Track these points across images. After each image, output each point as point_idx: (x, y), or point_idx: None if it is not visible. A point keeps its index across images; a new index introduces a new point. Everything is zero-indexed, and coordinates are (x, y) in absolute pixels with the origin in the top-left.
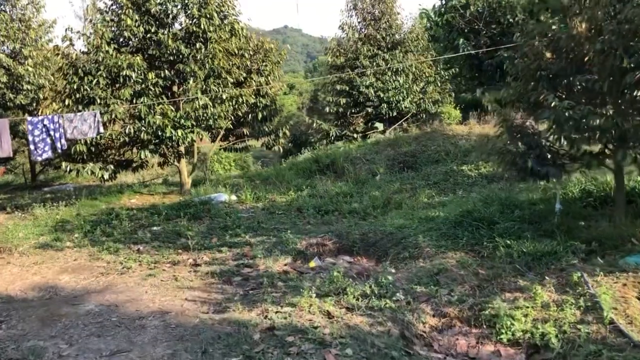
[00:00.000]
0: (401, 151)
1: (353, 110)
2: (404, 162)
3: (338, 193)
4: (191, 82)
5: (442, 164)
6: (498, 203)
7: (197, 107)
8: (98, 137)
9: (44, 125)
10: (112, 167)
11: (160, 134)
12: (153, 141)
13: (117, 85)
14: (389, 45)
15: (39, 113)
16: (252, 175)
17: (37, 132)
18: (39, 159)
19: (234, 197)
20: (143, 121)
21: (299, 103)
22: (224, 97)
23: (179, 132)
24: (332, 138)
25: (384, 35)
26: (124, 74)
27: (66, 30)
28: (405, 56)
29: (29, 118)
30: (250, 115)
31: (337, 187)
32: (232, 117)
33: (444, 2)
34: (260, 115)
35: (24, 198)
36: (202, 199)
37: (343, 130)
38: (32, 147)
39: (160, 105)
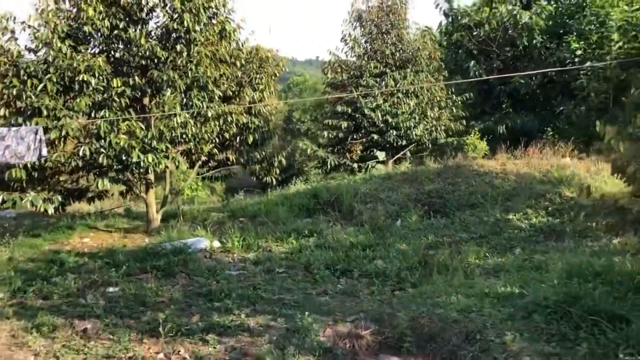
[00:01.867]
0: (423, 189)
1: (355, 136)
2: (429, 204)
3: (353, 244)
4: (168, 93)
5: (479, 210)
6: (604, 279)
7: (175, 125)
8: (40, 161)
9: None
10: (59, 197)
11: (124, 158)
12: (115, 167)
13: (72, 94)
14: (398, 63)
15: None
16: (236, 209)
17: None
18: None
19: (216, 244)
20: (103, 141)
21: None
22: (209, 114)
23: (150, 156)
24: (329, 167)
25: (393, 51)
26: (81, 78)
27: (6, 20)
28: (417, 76)
29: None
30: (238, 138)
31: (352, 236)
32: (217, 140)
33: (451, 20)
34: (251, 138)
35: None
36: (175, 244)
37: (341, 158)
38: None
39: (127, 122)
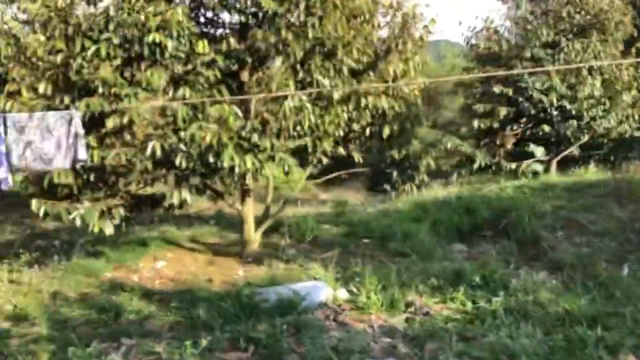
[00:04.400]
0: None
1: (514, 127)
2: None
3: (570, 313)
4: (278, 63)
5: None
6: None
7: (287, 111)
8: (77, 167)
9: None
10: (122, 211)
11: (212, 160)
12: (199, 171)
13: (139, 64)
14: (576, 29)
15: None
16: (355, 223)
17: None
18: None
19: (342, 294)
20: (182, 133)
21: None
22: (334, 95)
23: (248, 159)
24: (475, 167)
25: (572, 12)
26: (152, 40)
27: None
28: (604, 47)
29: None
30: (368, 130)
31: (560, 296)
32: (339, 133)
33: None
34: (387, 130)
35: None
36: (282, 293)
37: (492, 155)
38: None
39: (216, 106)
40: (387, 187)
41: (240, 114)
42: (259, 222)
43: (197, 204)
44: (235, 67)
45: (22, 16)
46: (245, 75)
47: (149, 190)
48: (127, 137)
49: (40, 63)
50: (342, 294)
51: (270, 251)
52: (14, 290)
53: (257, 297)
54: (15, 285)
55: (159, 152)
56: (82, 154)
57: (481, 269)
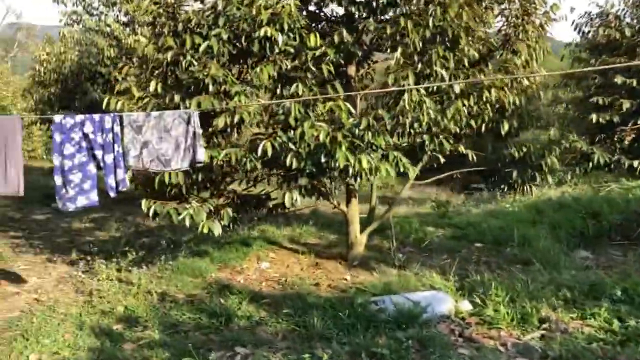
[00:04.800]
0: None
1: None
2: None
3: None
4: (397, 54)
5: None
6: None
7: (406, 107)
8: (194, 168)
9: (84, 135)
10: (230, 211)
11: (323, 159)
12: (308, 170)
13: (248, 61)
14: None
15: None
16: (463, 225)
17: (68, 150)
18: (68, 207)
19: (465, 305)
20: (292, 132)
21: None
22: (455, 89)
23: (364, 158)
24: (591, 165)
25: None
26: (263, 34)
27: None
28: None
29: (57, 118)
30: (483, 126)
31: None
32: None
33: None
34: (506, 126)
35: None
36: (399, 303)
37: (612, 153)
38: (57, 181)
39: (330, 103)
40: (504, 187)
41: (352, 110)
42: (363, 223)
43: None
44: (342, 61)
45: (123, 18)
46: (352, 70)
47: (254, 190)
48: (236, 136)
49: (149, 62)
50: (465, 305)
51: (376, 254)
52: (123, 290)
53: (372, 306)
54: (125, 285)
55: (270, 152)
56: (201, 155)
57: (621, 281)
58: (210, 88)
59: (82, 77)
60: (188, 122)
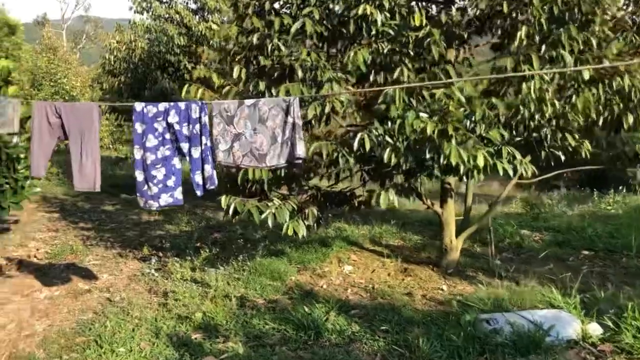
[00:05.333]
0: None
1: None
2: None
3: None
4: (521, 34)
5: None
6: None
7: (533, 94)
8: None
9: (168, 126)
10: (315, 210)
11: (428, 155)
12: (408, 167)
13: (340, 44)
14: None
15: (190, 96)
16: (562, 228)
17: (150, 142)
18: (150, 206)
19: (594, 328)
20: (392, 123)
21: None
22: (585, 75)
23: (480, 154)
24: None
25: None
26: (360, 12)
27: None
28: None
29: (138, 106)
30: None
31: None
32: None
33: None
34: (631, 118)
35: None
36: (516, 324)
37: None
38: (139, 176)
39: (439, 91)
40: (622, 187)
41: (461, 97)
42: (458, 226)
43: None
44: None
45: (193, 5)
46: (451, 54)
47: (338, 186)
48: (322, 128)
49: (230, 46)
50: (594, 328)
51: (471, 261)
52: (200, 294)
53: (484, 325)
54: (200, 287)
55: (368, 146)
56: (301, 150)
57: None
58: (300, 74)
59: (152, 66)
60: (287, 112)
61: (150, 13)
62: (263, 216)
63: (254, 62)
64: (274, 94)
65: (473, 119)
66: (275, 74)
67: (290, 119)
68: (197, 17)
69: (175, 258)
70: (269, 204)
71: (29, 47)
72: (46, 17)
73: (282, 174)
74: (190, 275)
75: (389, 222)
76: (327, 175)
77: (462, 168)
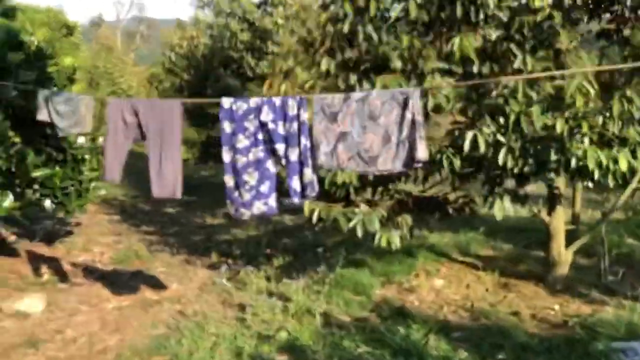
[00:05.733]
0: None
1: None
2: None
3: None
4: None
5: None
6: None
7: None
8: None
9: (261, 125)
10: (409, 218)
11: (554, 157)
12: (526, 170)
13: (444, 27)
14: None
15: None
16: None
17: (242, 143)
18: (242, 215)
19: None
20: (503, 119)
21: None
22: None
23: (623, 158)
24: None
25: None
26: None
27: None
28: None
29: (226, 103)
30: None
31: None
32: None
33: None
34: None
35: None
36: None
37: None
38: (228, 182)
39: (574, 82)
40: None
41: (592, 91)
42: (567, 238)
43: None
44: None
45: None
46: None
47: (431, 191)
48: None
49: (313, 37)
50: None
51: (580, 275)
52: (280, 309)
53: (620, 357)
54: (278, 300)
55: (483, 147)
56: (422, 152)
57: None
58: (398, 64)
59: (214, 63)
60: (405, 107)
61: (212, 8)
62: (352, 224)
63: (342, 53)
64: (369, 87)
65: (608, 115)
66: (365, 66)
67: (408, 115)
68: (259, 11)
69: (248, 266)
70: (356, 210)
71: (86, 47)
72: (102, 18)
73: (373, 178)
74: (266, 286)
75: (474, 228)
76: (414, 178)
77: (597, 172)
